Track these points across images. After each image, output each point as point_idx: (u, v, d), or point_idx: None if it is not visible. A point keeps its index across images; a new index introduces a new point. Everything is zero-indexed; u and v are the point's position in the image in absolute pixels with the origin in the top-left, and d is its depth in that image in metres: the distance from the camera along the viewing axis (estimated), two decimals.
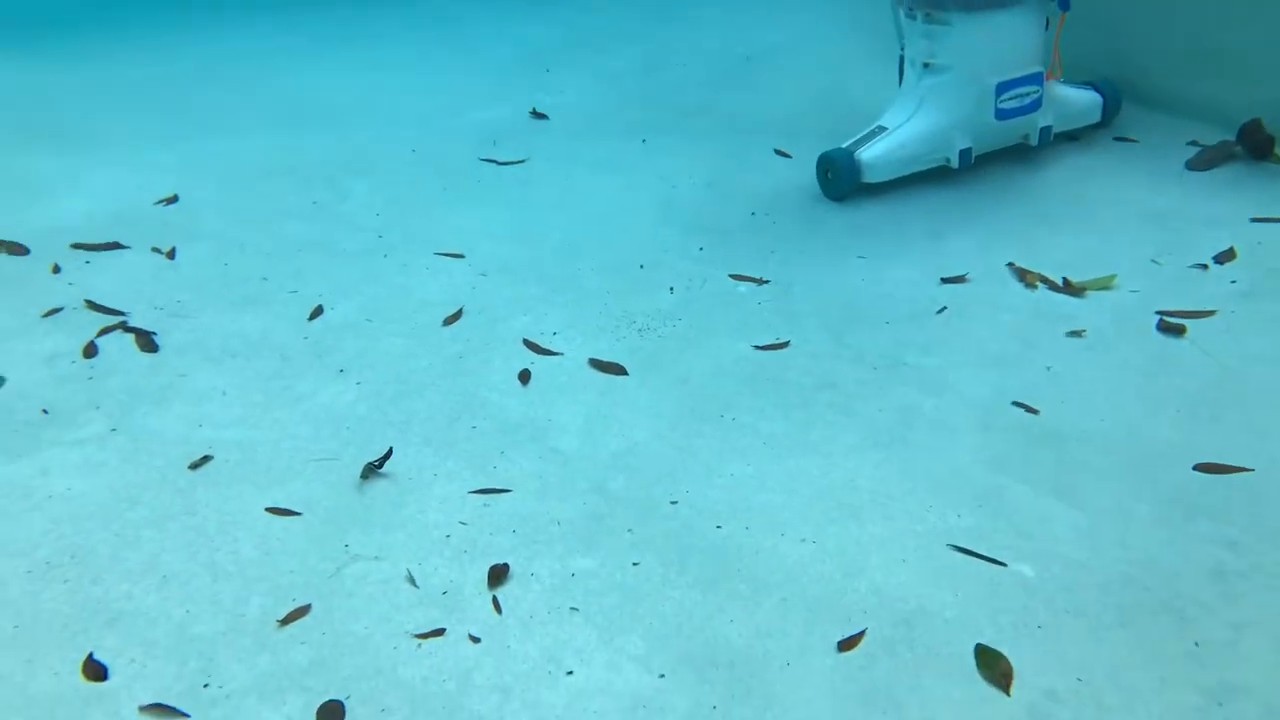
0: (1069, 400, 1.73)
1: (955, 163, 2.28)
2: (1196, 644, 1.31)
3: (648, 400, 1.84)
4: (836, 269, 2.16)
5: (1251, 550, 1.42)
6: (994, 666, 1.31)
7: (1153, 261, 2.06)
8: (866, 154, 2.29)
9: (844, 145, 2.32)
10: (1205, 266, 2.02)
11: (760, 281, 2.14)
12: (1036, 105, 2.27)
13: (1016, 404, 1.74)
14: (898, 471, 1.63)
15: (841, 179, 2.30)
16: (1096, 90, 2.40)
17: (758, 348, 1.95)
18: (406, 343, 2.02)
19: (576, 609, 1.43)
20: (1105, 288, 2.00)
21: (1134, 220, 2.20)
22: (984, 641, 1.34)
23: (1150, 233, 2.15)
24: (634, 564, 1.51)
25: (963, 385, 1.80)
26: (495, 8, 3.69)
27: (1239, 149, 2.31)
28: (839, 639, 1.37)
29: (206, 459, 1.73)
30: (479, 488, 1.65)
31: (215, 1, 4.00)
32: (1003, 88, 2.22)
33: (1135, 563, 1.43)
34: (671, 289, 2.14)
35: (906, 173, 2.32)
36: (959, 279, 2.09)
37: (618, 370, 1.92)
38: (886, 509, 1.56)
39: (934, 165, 2.32)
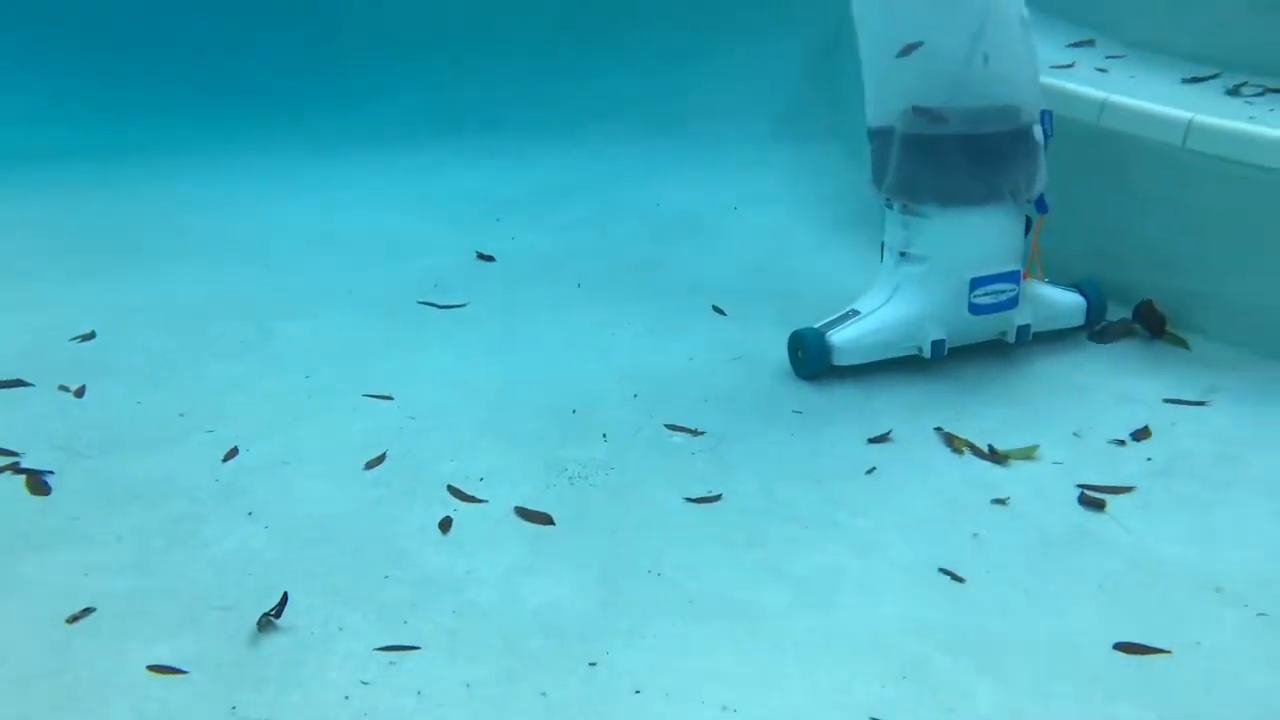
0: (994, 570, 1.72)
1: (928, 353, 2.26)
2: None
3: (574, 553, 1.79)
4: (771, 423, 2.16)
5: None
6: None
7: (1074, 435, 2.09)
8: (837, 337, 2.27)
9: (816, 325, 2.30)
10: (1123, 443, 2.05)
11: (695, 433, 2.13)
12: (1013, 303, 2.25)
13: (943, 570, 1.72)
14: (823, 637, 1.59)
15: (811, 359, 2.28)
16: (1081, 293, 2.39)
17: (690, 500, 1.92)
18: (324, 486, 1.96)
19: None
20: (1028, 458, 2.02)
21: (1056, 393, 2.24)
22: None
23: (1072, 406, 2.18)
24: None
25: (891, 549, 1.78)
26: (458, 163, 3.77)
27: (1137, 326, 2.40)
28: None
29: (88, 611, 1.62)
30: (386, 644, 1.56)
31: (171, 146, 4.03)
32: (977, 283, 2.21)
33: None
34: (605, 436, 2.12)
35: (877, 359, 2.28)
36: (884, 437, 2.10)
37: (544, 520, 1.87)
38: (811, 677, 1.51)
39: (906, 354, 2.29)
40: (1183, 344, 2.33)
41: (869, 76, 2.24)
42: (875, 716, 1.44)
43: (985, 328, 2.28)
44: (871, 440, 2.09)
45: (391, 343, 2.54)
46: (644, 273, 2.87)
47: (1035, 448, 2.04)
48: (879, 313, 2.27)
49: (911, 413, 2.16)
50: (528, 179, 3.58)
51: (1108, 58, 2.72)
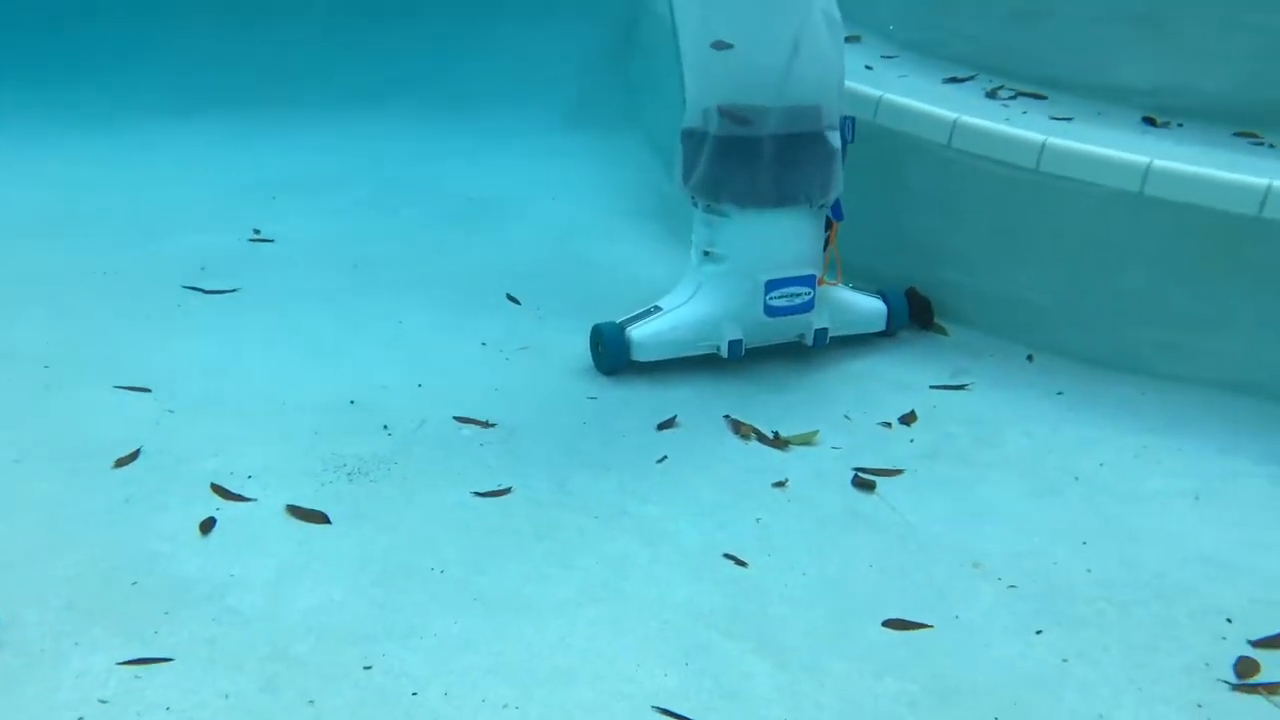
0: (775, 553, 1.75)
1: (725, 353, 2.26)
2: None
3: (351, 552, 1.70)
4: (564, 414, 2.12)
5: (926, 707, 1.45)
6: None
7: (845, 417, 2.16)
8: (637, 333, 2.25)
9: (618, 320, 2.28)
10: (893, 427, 2.14)
11: (485, 425, 2.07)
12: (808, 306, 2.27)
13: (727, 556, 1.73)
14: (610, 628, 1.57)
15: (610, 354, 2.26)
16: (883, 299, 2.42)
17: (478, 494, 1.86)
18: (61, 486, 1.77)
19: None
20: (808, 443, 2.08)
21: (837, 382, 2.32)
22: None
23: (851, 395, 2.27)
24: None
25: (680, 536, 1.78)
26: (230, 138, 3.51)
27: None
28: None
29: None
30: (131, 657, 1.42)
31: None
32: (772, 285, 2.23)
33: None
34: (386, 428, 2.02)
35: (676, 356, 2.28)
36: (671, 423, 2.11)
37: (319, 519, 1.76)
38: (596, 668, 1.49)
39: (704, 352, 2.29)
40: (942, 332, 2.47)
41: (687, 76, 2.23)
42: (659, 704, 1.43)
43: (783, 330, 2.30)
44: (660, 426, 2.10)
45: (151, 330, 2.34)
46: (431, 259, 2.77)
47: (815, 433, 2.10)
48: (680, 310, 2.27)
49: (703, 403, 2.18)
50: (306, 157, 3.39)
51: (883, 57, 2.84)
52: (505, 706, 1.42)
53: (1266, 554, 1.77)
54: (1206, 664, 1.54)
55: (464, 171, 3.34)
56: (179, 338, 2.32)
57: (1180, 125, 2.44)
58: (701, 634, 1.56)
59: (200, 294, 2.53)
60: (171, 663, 1.43)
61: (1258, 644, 1.57)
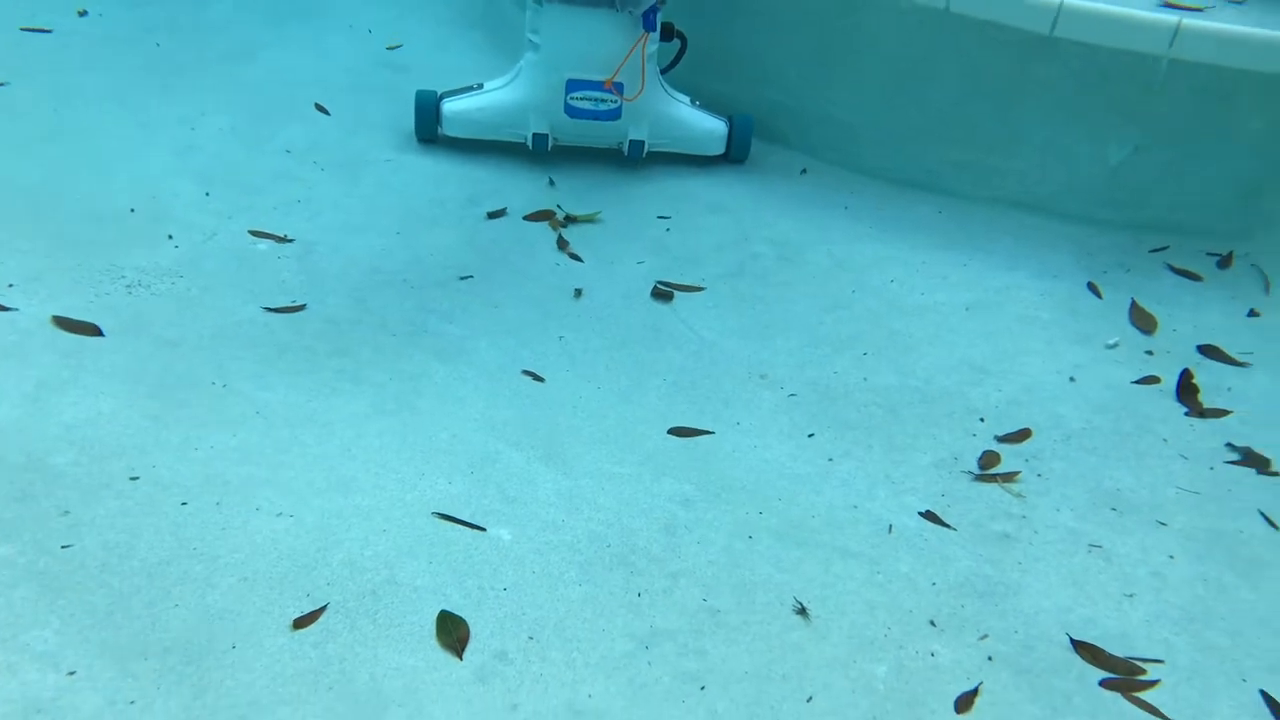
0: (573, 368, 1.76)
1: (530, 145, 2.25)
2: (639, 594, 1.36)
3: (124, 365, 1.62)
4: (367, 229, 2.04)
5: (699, 505, 1.52)
6: (452, 632, 1.28)
7: (660, 236, 2.15)
8: (449, 106, 2.24)
9: (441, 91, 2.28)
10: (698, 247, 2.12)
11: (283, 239, 1.97)
12: (614, 115, 2.22)
13: (526, 372, 1.73)
14: (397, 440, 1.56)
15: (421, 122, 2.27)
16: (729, 123, 2.34)
17: (269, 310, 1.79)
18: None
19: None
20: (591, 220, 2.14)
21: (655, 200, 2.27)
22: (449, 608, 1.30)
23: (664, 213, 2.23)
24: (64, 547, 1.30)
25: (480, 353, 1.76)
26: None
27: None
28: (296, 616, 1.27)
29: None
30: None
31: None
32: (573, 85, 2.18)
33: (603, 522, 1.46)
34: (171, 238, 1.91)
35: (483, 138, 2.28)
36: (500, 213, 2.12)
37: (90, 330, 1.67)
38: (378, 478, 1.49)
39: (511, 140, 2.28)
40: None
41: None
42: (440, 510, 1.44)
43: (590, 133, 2.26)
44: (491, 214, 2.11)
45: None
46: (237, 61, 2.57)
47: (598, 212, 2.15)
48: (495, 93, 2.25)
49: (512, 210, 2.14)
50: None
51: None
52: (279, 515, 1.41)
53: (1023, 359, 1.89)
54: (955, 458, 1.65)
55: None
56: None
57: None
58: (490, 445, 1.57)
59: None
60: None
61: (1002, 439, 1.69)
